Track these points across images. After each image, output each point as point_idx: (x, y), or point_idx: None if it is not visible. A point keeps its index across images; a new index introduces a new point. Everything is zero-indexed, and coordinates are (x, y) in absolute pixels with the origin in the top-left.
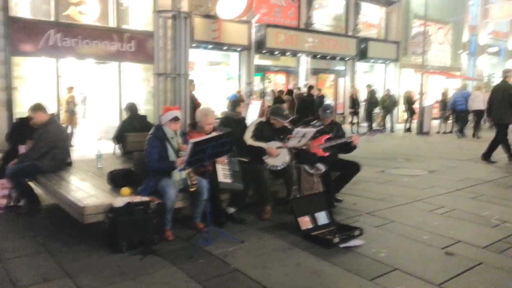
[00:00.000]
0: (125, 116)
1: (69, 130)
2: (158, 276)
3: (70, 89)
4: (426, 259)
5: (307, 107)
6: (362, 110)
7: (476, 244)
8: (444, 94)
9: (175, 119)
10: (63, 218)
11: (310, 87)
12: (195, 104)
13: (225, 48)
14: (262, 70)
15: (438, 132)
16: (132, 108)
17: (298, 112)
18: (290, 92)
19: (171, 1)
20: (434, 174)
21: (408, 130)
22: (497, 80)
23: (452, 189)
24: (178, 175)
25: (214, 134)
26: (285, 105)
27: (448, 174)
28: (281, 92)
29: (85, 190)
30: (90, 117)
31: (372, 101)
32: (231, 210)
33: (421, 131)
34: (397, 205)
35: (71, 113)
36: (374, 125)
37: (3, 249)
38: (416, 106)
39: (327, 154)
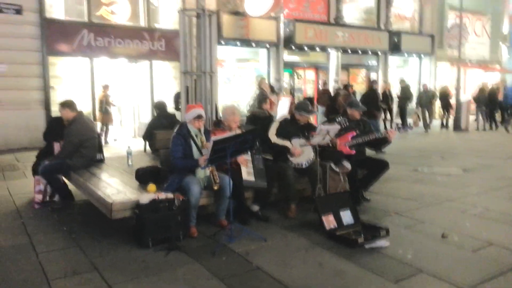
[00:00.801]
0: (155, 114)
1: (103, 128)
2: (181, 272)
3: (105, 87)
4: (454, 262)
5: (371, 101)
6: (395, 106)
7: (509, 247)
8: (482, 90)
9: (199, 117)
10: (94, 214)
11: (374, 82)
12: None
13: (253, 44)
14: (291, 66)
15: (477, 129)
16: (160, 106)
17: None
18: (346, 87)
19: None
20: (469, 173)
21: (445, 126)
22: None
23: (487, 189)
24: (202, 172)
25: (235, 132)
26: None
27: (484, 173)
28: (346, 86)
29: (114, 186)
30: (124, 115)
31: (405, 97)
32: (256, 207)
33: (458, 128)
34: (428, 205)
35: (105, 111)
36: (409, 121)
37: (38, 242)
38: (453, 101)
39: (353, 152)
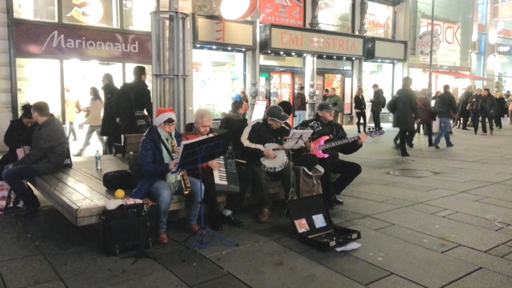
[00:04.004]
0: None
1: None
2: (149, 280)
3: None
4: (425, 263)
5: (448, 102)
6: (369, 111)
7: (477, 248)
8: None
9: (169, 120)
10: (60, 221)
11: (447, 86)
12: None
13: (229, 48)
14: (267, 71)
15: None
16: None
17: (438, 109)
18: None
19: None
20: (439, 176)
21: (416, 130)
22: (508, 79)
23: (456, 191)
24: (173, 177)
25: (206, 136)
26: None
27: (454, 175)
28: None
29: (80, 192)
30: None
31: (378, 101)
32: (228, 212)
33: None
34: (399, 207)
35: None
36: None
37: None
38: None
39: (326, 155)
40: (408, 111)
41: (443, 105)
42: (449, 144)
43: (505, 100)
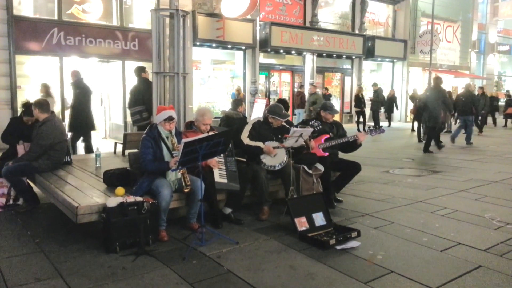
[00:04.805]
0: (128, 115)
1: None
2: (149, 277)
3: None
4: (424, 262)
5: (470, 101)
6: (368, 109)
7: (476, 247)
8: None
9: (169, 118)
10: (60, 218)
11: (470, 85)
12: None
13: (229, 46)
14: (267, 69)
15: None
16: None
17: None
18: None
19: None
20: (438, 175)
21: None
22: (508, 79)
23: (455, 190)
24: (173, 175)
25: (207, 134)
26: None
27: (453, 174)
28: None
29: (80, 189)
30: (95, 116)
31: (378, 100)
32: (228, 210)
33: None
34: (398, 206)
35: None
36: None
37: None
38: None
39: (326, 154)
40: (438, 109)
41: (466, 103)
42: (469, 141)
43: (498, 98)
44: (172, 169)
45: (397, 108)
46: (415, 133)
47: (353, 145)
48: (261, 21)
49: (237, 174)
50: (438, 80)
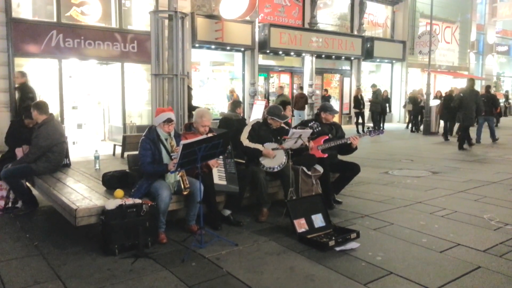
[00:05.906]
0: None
1: None
2: (148, 280)
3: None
4: (423, 263)
5: (490, 101)
6: (367, 111)
7: (475, 248)
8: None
9: (168, 120)
10: (59, 221)
11: (489, 86)
12: None
13: (228, 48)
14: (266, 70)
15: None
16: None
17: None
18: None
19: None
20: (437, 176)
21: (415, 130)
22: (506, 79)
23: (455, 191)
24: (172, 177)
25: (205, 136)
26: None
27: (452, 175)
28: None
29: (79, 192)
30: (94, 118)
31: (377, 101)
32: (227, 212)
33: (428, 132)
34: (397, 207)
35: None
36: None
37: None
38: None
39: (325, 155)
40: (472, 109)
41: (487, 104)
42: (494, 138)
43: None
44: (171, 171)
45: (389, 110)
46: (415, 133)
47: (349, 148)
48: (260, 22)
49: (236, 176)
50: (472, 82)
